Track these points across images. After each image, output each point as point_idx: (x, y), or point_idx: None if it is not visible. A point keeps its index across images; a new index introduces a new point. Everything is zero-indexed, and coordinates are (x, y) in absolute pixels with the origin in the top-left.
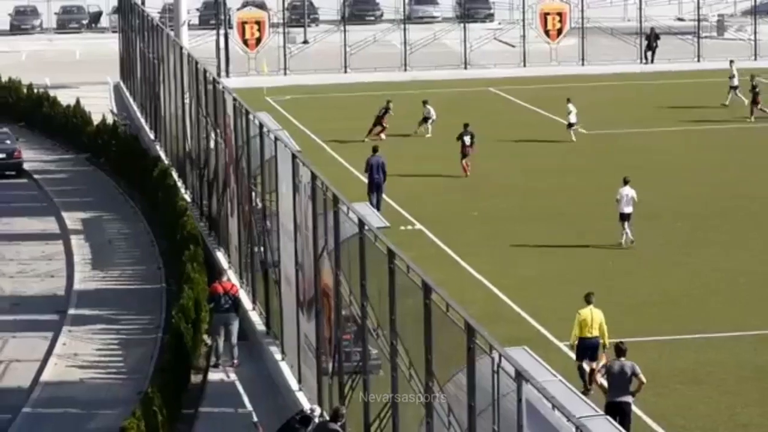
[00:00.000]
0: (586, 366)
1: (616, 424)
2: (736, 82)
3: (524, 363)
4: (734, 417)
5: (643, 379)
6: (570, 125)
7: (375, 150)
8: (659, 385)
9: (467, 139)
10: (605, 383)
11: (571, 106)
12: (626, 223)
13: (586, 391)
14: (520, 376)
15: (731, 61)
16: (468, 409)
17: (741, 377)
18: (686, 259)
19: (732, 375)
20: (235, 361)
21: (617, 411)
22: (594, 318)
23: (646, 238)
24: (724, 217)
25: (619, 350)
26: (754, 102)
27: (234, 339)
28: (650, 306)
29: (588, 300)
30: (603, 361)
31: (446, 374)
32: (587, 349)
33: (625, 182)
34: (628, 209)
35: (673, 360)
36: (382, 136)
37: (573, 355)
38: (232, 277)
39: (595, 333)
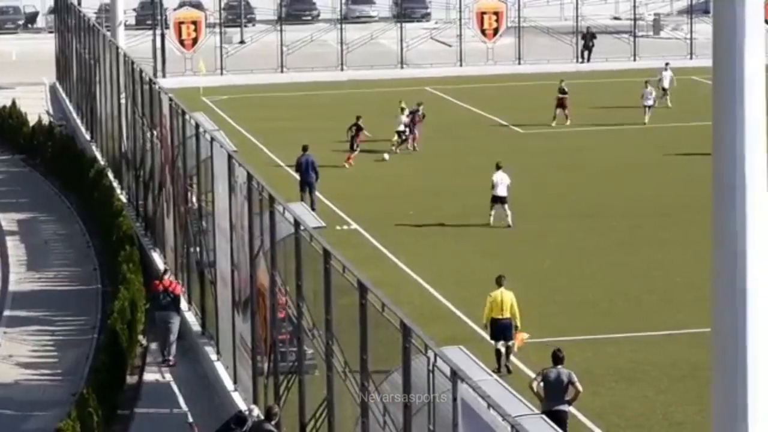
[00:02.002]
0: (501, 347)
1: (552, 423)
2: (666, 83)
3: (459, 362)
4: (669, 415)
5: (580, 388)
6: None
7: (305, 149)
8: (595, 384)
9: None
10: (541, 391)
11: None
12: (505, 206)
13: (498, 371)
14: (455, 375)
15: (666, 64)
16: (403, 408)
17: (676, 376)
18: (623, 258)
19: (667, 373)
20: (171, 359)
21: (553, 419)
22: (504, 299)
23: (584, 237)
24: (663, 217)
25: (557, 358)
26: (561, 106)
27: (173, 337)
28: (586, 305)
29: (499, 282)
30: (517, 342)
31: (382, 374)
32: (500, 329)
33: (498, 167)
34: (502, 192)
35: (609, 359)
36: (350, 161)
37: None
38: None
39: (506, 314)
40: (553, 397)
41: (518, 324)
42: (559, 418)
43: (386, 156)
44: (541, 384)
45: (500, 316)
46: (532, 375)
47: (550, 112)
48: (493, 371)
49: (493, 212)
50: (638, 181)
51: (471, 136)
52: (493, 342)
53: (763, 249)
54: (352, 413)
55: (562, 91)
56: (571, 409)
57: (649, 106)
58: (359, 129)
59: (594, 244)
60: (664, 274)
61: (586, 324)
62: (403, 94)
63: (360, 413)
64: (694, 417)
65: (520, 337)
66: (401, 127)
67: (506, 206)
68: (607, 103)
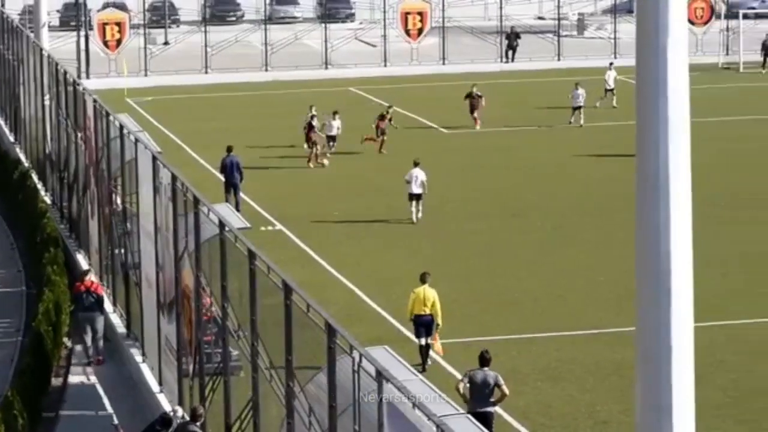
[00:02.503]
0: (423, 342)
1: (477, 423)
2: (611, 83)
3: (385, 362)
4: (594, 414)
5: (506, 390)
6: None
7: (229, 150)
8: (520, 383)
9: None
10: (467, 393)
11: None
12: (418, 203)
13: (423, 369)
14: (380, 376)
15: (611, 63)
16: (329, 409)
17: (600, 374)
18: (548, 258)
19: (592, 372)
20: (100, 358)
21: (479, 421)
22: (426, 296)
23: (509, 237)
24: (586, 216)
25: (483, 359)
26: (473, 109)
27: (99, 336)
28: (512, 304)
29: (423, 279)
30: (436, 346)
31: (307, 374)
32: (422, 325)
33: (416, 164)
34: (417, 190)
35: (534, 358)
36: (324, 161)
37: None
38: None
39: (428, 310)
40: (478, 399)
41: (440, 322)
42: (485, 420)
43: (326, 162)
44: (467, 385)
45: (422, 312)
46: (459, 375)
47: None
48: (417, 365)
49: (413, 209)
50: (562, 181)
51: (396, 136)
52: (416, 339)
53: (686, 248)
54: (277, 414)
55: (474, 95)
56: (497, 408)
57: (579, 107)
58: (311, 127)
59: (519, 243)
60: (588, 273)
61: (511, 323)
62: (328, 95)
63: (285, 414)
64: (619, 416)
65: (437, 346)
66: (334, 131)
67: (420, 203)
68: (532, 103)
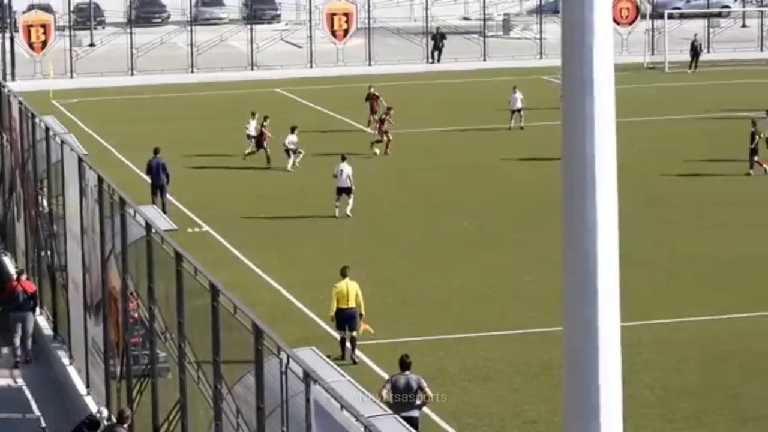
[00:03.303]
0: (345, 336)
1: (404, 423)
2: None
3: (312, 363)
4: (522, 414)
5: (430, 394)
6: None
7: (156, 152)
8: (448, 384)
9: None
10: (391, 398)
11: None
12: (347, 197)
13: (343, 358)
14: (308, 377)
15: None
16: (257, 410)
17: (528, 374)
18: (476, 258)
19: (519, 372)
20: (28, 359)
21: None
22: (349, 290)
23: (436, 237)
24: (515, 216)
25: (404, 364)
26: (373, 111)
27: (29, 336)
28: (439, 305)
29: (344, 273)
30: (362, 329)
31: (235, 376)
32: (345, 319)
33: (343, 159)
34: (344, 184)
35: (462, 358)
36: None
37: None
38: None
39: (352, 304)
40: (403, 404)
41: (363, 312)
42: (410, 425)
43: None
44: (390, 391)
45: (345, 306)
46: (387, 376)
47: (401, 112)
48: (337, 359)
49: (338, 204)
50: (491, 181)
51: (321, 137)
52: (338, 332)
53: (613, 248)
54: (205, 415)
55: (372, 96)
56: (425, 409)
57: (518, 110)
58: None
59: (446, 243)
60: (514, 273)
61: (439, 324)
62: (254, 96)
63: (213, 416)
64: (547, 415)
65: (365, 327)
66: (251, 132)
67: (350, 197)
68: (458, 103)
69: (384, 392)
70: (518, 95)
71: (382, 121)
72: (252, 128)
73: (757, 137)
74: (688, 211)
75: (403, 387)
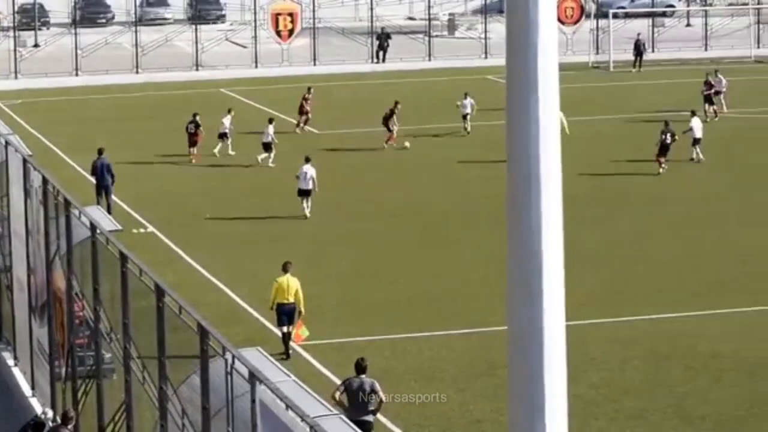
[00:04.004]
0: (285, 330)
1: (350, 423)
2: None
3: (258, 364)
4: (468, 413)
5: (383, 397)
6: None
7: (100, 152)
8: (394, 384)
9: (191, 127)
10: (345, 401)
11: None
12: (307, 199)
13: (287, 357)
14: (253, 377)
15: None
16: (202, 411)
17: (473, 374)
18: (421, 258)
19: (465, 372)
20: None
21: None
22: (290, 285)
23: (383, 237)
24: (457, 216)
25: (359, 367)
26: (302, 112)
27: None
28: (385, 304)
29: (285, 269)
30: (297, 330)
31: (180, 377)
32: (284, 314)
33: (307, 160)
34: (306, 186)
35: (409, 358)
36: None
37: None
38: None
39: (291, 299)
40: (356, 407)
41: (302, 309)
42: (363, 429)
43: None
44: (344, 394)
45: (285, 301)
46: (330, 375)
47: (347, 113)
48: (281, 355)
49: (304, 204)
50: (437, 182)
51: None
52: (278, 328)
53: (558, 247)
54: (150, 416)
55: (304, 98)
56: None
57: (466, 115)
58: (197, 126)
59: (392, 243)
60: (460, 273)
61: (386, 324)
62: (199, 97)
63: (159, 416)
64: (492, 415)
65: (301, 331)
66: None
67: (309, 200)
68: (403, 103)
69: (337, 394)
70: (469, 101)
71: (391, 114)
72: (227, 124)
73: (665, 137)
74: (631, 210)
75: (356, 390)
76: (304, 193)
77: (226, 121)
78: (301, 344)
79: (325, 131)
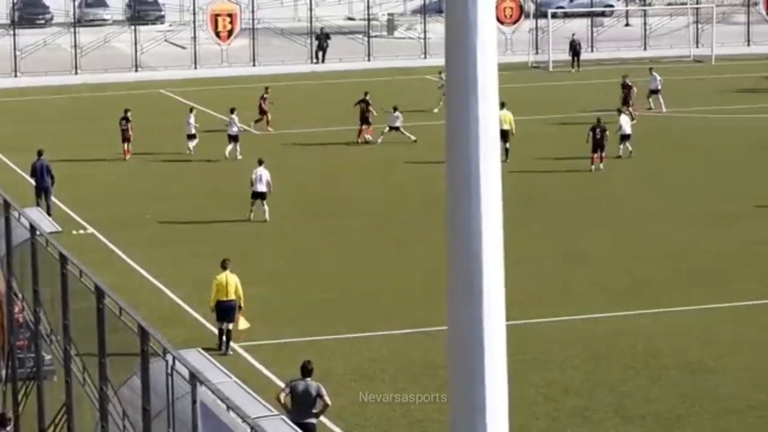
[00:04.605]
0: (223, 327)
1: (292, 423)
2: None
3: (198, 365)
4: (408, 414)
5: (328, 401)
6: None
7: (40, 154)
8: (334, 384)
9: (123, 123)
10: (289, 403)
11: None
12: (261, 202)
13: (226, 353)
14: (194, 378)
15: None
16: (143, 412)
17: (414, 373)
18: (360, 258)
19: (405, 372)
20: None
21: None
22: (229, 282)
23: (320, 237)
24: (397, 216)
25: (305, 370)
26: (263, 112)
27: None
28: (324, 305)
29: (224, 266)
30: (241, 323)
31: (121, 378)
32: (224, 311)
33: (260, 163)
34: (261, 188)
35: (348, 358)
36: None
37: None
38: None
39: (231, 296)
40: (300, 410)
41: (242, 305)
42: (306, 431)
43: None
44: (289, 396)
45: (225, 299)
46: (271, 376)
47: (286, 113)
48: (215, 350)
49: (253, 208)
50: (377, 181)
51: (205, 138)
52: (216, 323)
53: (498, 247)
54: (91, 418)
55: (262, 97)
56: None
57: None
58: (128, 122)
59: (330, 243)
60: (399, 273)
61: (325, 324)
62: (138, 98)
63: (99, 418)
64: (433, 415)
65: (242, 321)
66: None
67: (265, 202)
68: (343, 103)
69: (282, 396)
70: (397, 114)
71: (366, 107)
72: (192, 125)
73: (595, 133)
74: (569, 210)
75: (301, 393)
76: (259, 196)
77: (191, 120)
78: (242, 345)
79: (261, 131)
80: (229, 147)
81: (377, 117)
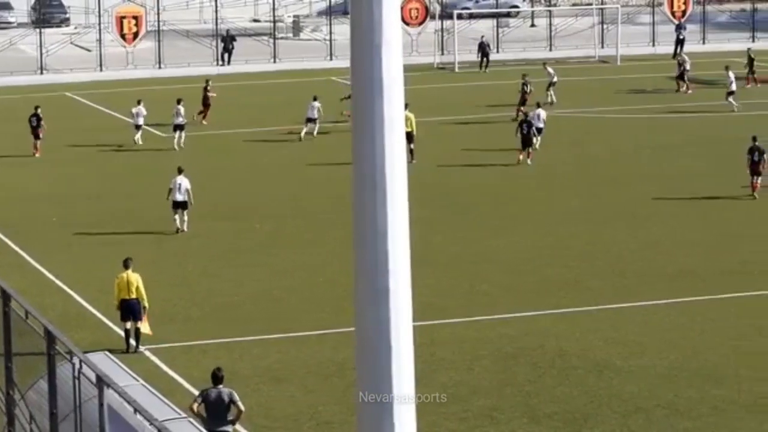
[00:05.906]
0: (128, 326)
1: (199, 426)
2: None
3: (105, 368)
4: (317, 415)
5: (242, 407)
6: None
7: None
8: (242, 386)
9: (34, 120)
10: (203, 412)
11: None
12: (183, 212)
13: (128, 351)
14: (101, 381)
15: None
16: (50, 416)
17: (323, 375)
18: (268, 260)
19: (314, 373)
20: None
21: None
22: (131, 280)
23: (227, 239)
24: (303, 218)
25: (216, 378)
26: (206, 106)
27: None
28: (232, 306)
29: (126, 265)
30: (145, 323)
31: (27, 381)
32: (128, 310)
33: (180, 171)
34: (181, 197)
35: (256, 360)
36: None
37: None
38: None
39: (133, 295)
40: (214, 418)
41: (146, 305)
42: None
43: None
44: (202, 405)
45: (128, 297)
46: (180, 380)
47: (190, 115)
48: (123, 353)
49: (177, 217)
50: (282, 183)
51: (111, 141)
52: (121, 323)
53: (404, 248)
54: None
55: (205, 89)
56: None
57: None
58: (39, 119)
59: (237, 245)
60: (306, 274)
61: (232, 326)
62: (44, 100)
63: (6, 422)
64: (342, 416)
65: (146, 326)
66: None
67: (186, 212)
68: (249, 105)
69: (195, 406)
70: (316, 104)
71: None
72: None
73: (523, 127)
74: (472, 213)
75: (214, 400)
76: (180, 205)
77: (139, 110)
78: (149, 347)
79: (166, 132)
80: (176, 136)
81: (300, 111)
